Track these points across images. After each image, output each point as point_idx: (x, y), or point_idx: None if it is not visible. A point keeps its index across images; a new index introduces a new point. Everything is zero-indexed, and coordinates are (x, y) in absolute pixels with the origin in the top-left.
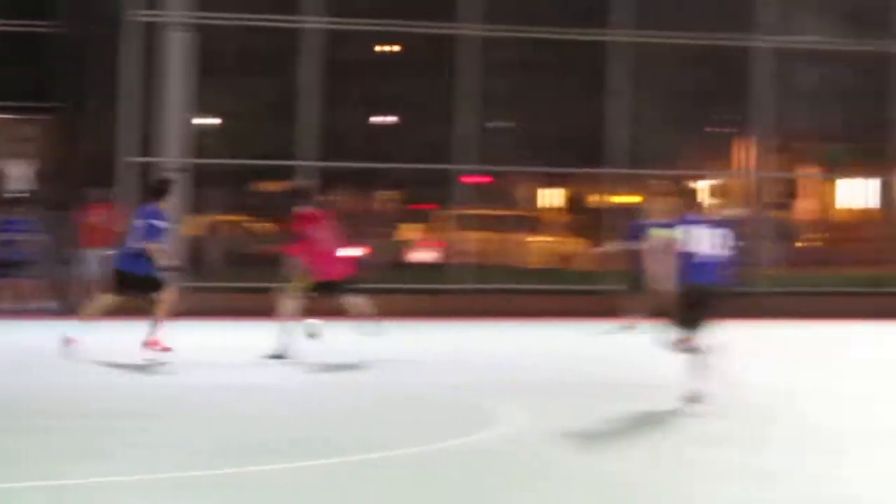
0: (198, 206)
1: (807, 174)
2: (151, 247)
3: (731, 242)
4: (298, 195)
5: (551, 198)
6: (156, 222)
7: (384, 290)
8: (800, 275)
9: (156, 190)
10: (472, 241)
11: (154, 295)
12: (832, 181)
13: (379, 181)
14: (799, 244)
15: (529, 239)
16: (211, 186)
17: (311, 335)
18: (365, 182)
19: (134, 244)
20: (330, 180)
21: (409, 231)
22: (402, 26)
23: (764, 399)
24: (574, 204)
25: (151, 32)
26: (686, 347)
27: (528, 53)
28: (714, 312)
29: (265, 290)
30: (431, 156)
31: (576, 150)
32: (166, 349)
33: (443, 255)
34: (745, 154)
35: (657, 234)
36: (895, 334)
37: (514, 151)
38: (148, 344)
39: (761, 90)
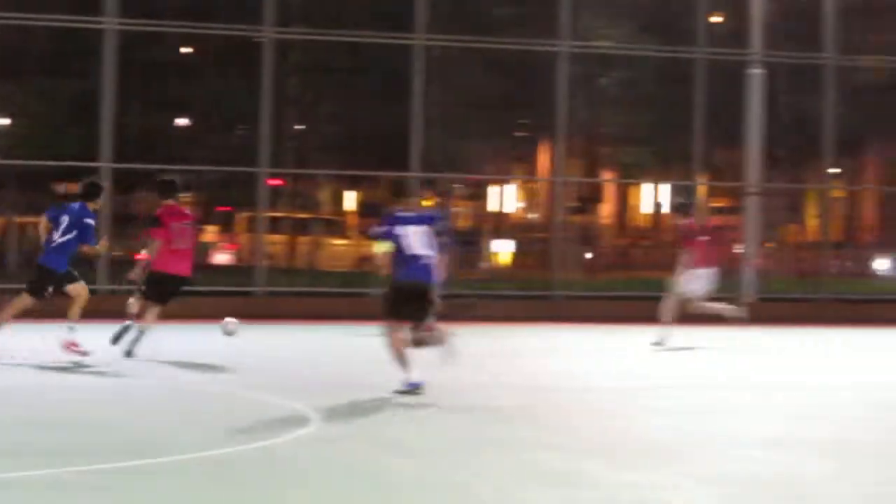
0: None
1: (607, 179)
2: None
3: (439, 239)
4: (164, 188)
5: (353, 200)
6: None
7: (190, 292)
8: (597, 279)
9: None
10: (273, 243)
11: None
12: (635, 185)
13: (181, 184)
14: (597, 248)
15: (329, 242)
16: (8, 187)
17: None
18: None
19: None
20: (130, 182)
21: (210, 234)
22: (203, 29)
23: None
24: (373, 207)
25: None
26: (417, 340)
27: (331, 56)
28: (423, 309)
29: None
30: (235, 158)
31: (377, 154)
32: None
33: (241, 257)
34: (547, 158)
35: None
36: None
37: (317, 154)
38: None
39: (562, 95)
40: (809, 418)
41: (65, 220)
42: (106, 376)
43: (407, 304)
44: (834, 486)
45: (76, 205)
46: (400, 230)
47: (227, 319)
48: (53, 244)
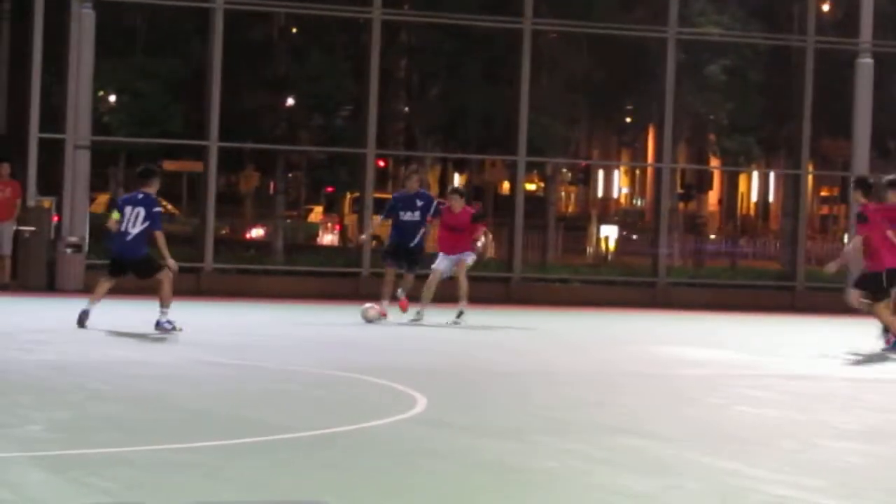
0: None
1: (714, 167)
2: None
3: (144, 218)
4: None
5: (459, 183)
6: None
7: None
8: (703, 267)
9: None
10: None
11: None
12: (742, 173)
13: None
14: (703, 236)
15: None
16: (118, 164)
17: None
18: None
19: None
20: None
21: (316, 214)
22: (311, 9)
23: None
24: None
25: None
26: None
27: (439, 39)
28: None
29: None
30: (342, 139)
31: (483, 137)
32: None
33: (346, 237)
34: (653, 145)
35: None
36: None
37: (422, 137)
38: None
39: (670, 81)
40: None
41: (138, 211)
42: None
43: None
44: None
45: (139, 194)
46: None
47: (367, 305)
48: (129, 237)
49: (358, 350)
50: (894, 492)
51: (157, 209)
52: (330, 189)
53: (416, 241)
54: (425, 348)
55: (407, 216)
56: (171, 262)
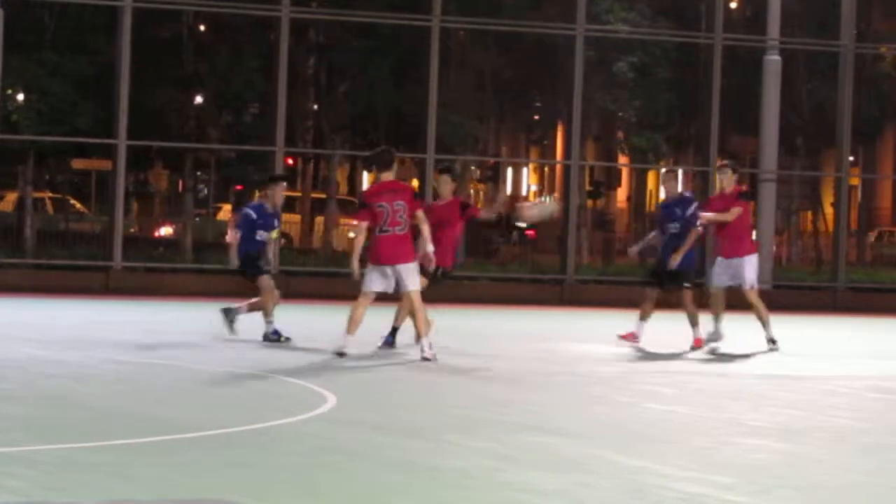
0: None
1: (622, 164)
2: None
3: None
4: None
5: (369, 181)
6: None
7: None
8: (611, 264)
9: None
10: (288, 223)
11: None
12: (651, 170)
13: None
14: (611, 233)
15: (345, 221)
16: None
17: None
18: None
19: None
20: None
21: (226, 212)
22: (220, 7)
23: None
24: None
25: None
26: None
27: (347, 37)
28: None
29: None
30: (250, 137)
31: (392, 135)
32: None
33: None
34: (562, 142)
35: None
36: None
37: (331, 135)
38: None
39: (578, 79)
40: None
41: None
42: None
43: None
44: None
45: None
46: None
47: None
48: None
49: (268, 348)
50: (804, 489)
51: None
52: (239, 187)
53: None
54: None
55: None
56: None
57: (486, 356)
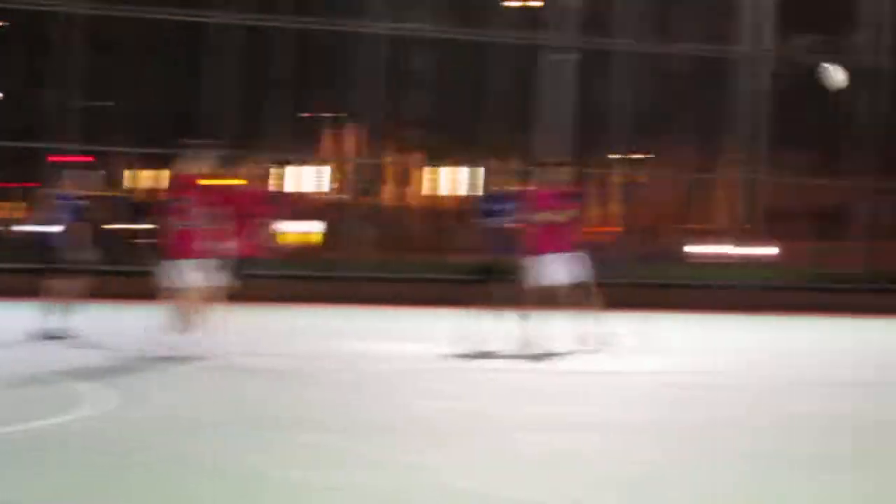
0: None
1: (389, 161)
2: None
3: None
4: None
5: (149, 180)
6: None
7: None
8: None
9: None
10: None
11: None
12: (428, 168)
13: None
14: (385, 230)
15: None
16: None
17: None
18: None
19: None
20: None
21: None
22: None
23: None
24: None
25: None
26: None
27: (121, 33)
28: None
29: None
30: (19, 133)
31: (168, 133)
32: None
33: None
34: (342, 140)
35: None
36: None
37: (105, 132)
38: None
39: (361, 76)
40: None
41: None
42: None
43: None
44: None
45: None
46: None
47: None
48: None
49: (37, 348)
50: (593, 486)
51: None
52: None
53: None
54: (117, 344)
55: None
56: None
57: (256, 352)
